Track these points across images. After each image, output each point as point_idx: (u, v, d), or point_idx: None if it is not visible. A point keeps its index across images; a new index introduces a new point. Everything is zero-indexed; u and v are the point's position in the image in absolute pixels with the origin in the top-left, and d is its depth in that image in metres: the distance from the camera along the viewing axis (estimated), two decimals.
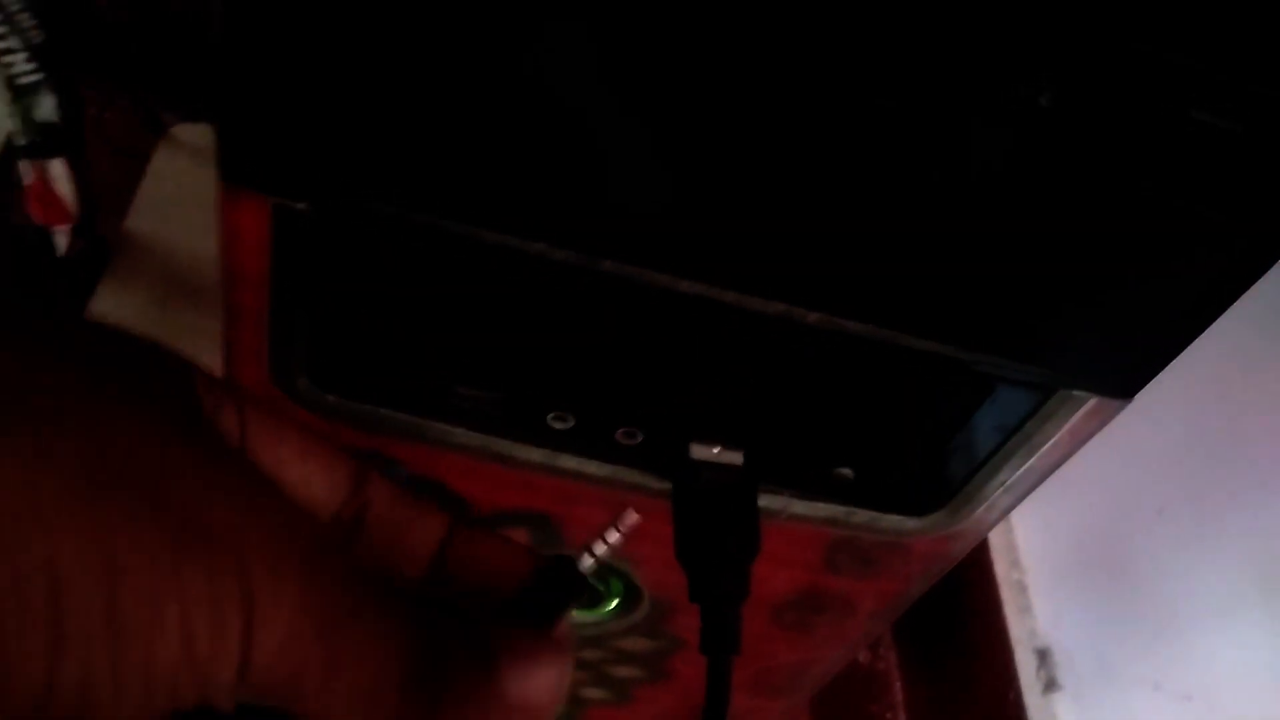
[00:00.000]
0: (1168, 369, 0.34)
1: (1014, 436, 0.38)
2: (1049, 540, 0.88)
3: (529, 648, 0.22)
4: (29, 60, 0.78)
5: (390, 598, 0.20)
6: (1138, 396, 0.35)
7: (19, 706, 0.15)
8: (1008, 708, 0.84)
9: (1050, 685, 0.83)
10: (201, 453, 0.18)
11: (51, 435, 0.16)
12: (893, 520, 0.42)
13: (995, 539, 0.91)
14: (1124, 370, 0.34)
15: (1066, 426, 0.36)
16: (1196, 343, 0.33)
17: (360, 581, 0.20)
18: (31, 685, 0.15)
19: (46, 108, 0.81)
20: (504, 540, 0.25)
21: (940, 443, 0.41)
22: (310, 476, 0.23)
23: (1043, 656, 0.85)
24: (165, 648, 0.16)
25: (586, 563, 0.25)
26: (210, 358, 0.31)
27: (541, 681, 0.22)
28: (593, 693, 0.60)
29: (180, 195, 0.99)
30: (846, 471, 0.41)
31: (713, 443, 0.38)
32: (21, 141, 0.83)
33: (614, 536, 0.25)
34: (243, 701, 0.18)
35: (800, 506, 0.42)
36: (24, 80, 0.79)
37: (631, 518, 0.26)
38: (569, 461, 0.40)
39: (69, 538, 0.15)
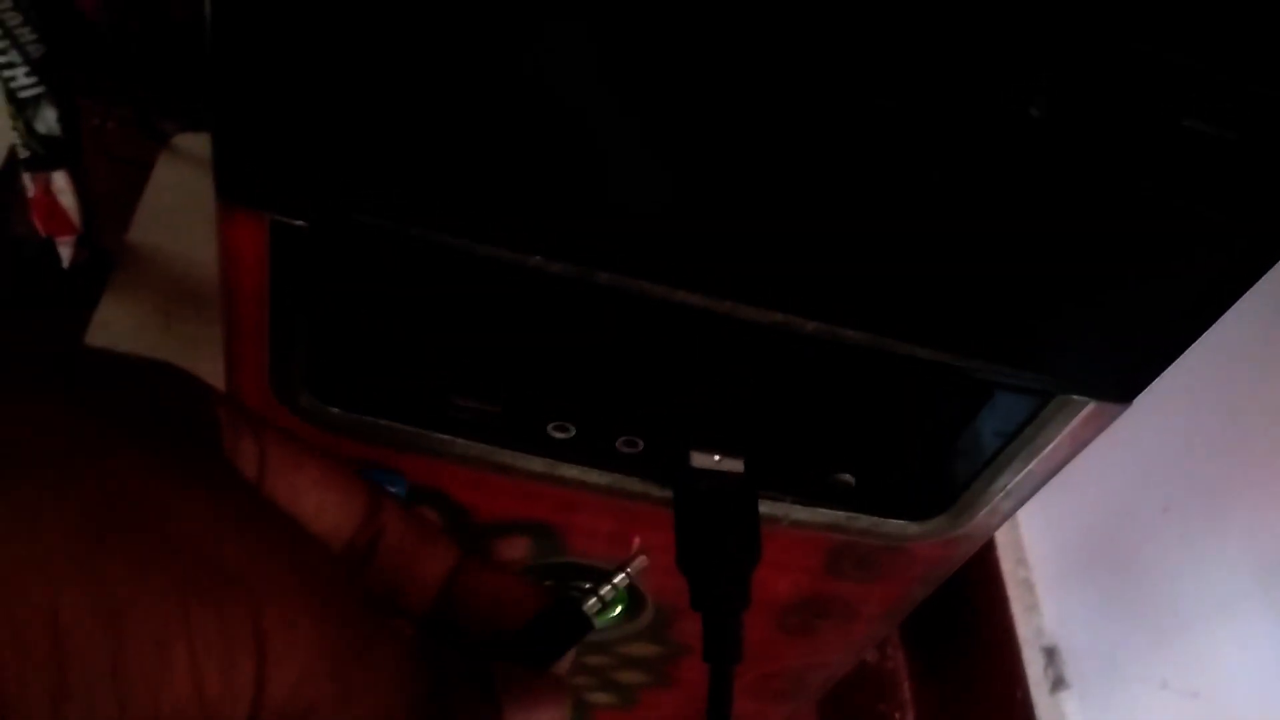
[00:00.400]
0: (1171, 368, 0.34)
1: (1014, 441, 0.38)
2: (1055, 538, 0.88)
3: (531, 687, 0.23)
4: (30, 74, 0.78)
5: (400, 631, 0.21)
6: (1142, 395, 0.35)
7: None
8: (1015, 706, 0.84)
9: (1058, 684, 0.83)
10: (214, 492, 0.18)
11: (57, 483, 0.16)
12: (894, 525, 0.42)
13: (1001, 538, 0.91)
14: (1122, 374, 0.34)
15: (1066, 431, 0.36)
16: (1200, 342, 0.33)
17: (373, 616, 0.20)
18: None
19: (48, 120, 0.81)
20: (511, 574, 0.26)
21: (940, 448, 0.41)
22: (326, 505, 0.24)
23: (1050, 655, 0.85)
24: (173, 691, 0.16)
25: (592, 606, 0.25)
26: (213, 368, 0.31)
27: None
28: (599, 697, 0.60)
29: (182, 205, 0.99)
30: (847, 477, 0.41)
31: (713, 450, 0.38)
32: (24, 154, 0.83)
33: (622, 579, 0.26)
34: None
35: (801, 513, 0.42)
36: (25, 93, 0.79)
37: (641, 562, 0.26)
38: (570, 471, 0.41)
39: (72, 587, 0.15)
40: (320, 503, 0.23)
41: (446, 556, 0.25)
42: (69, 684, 0.15)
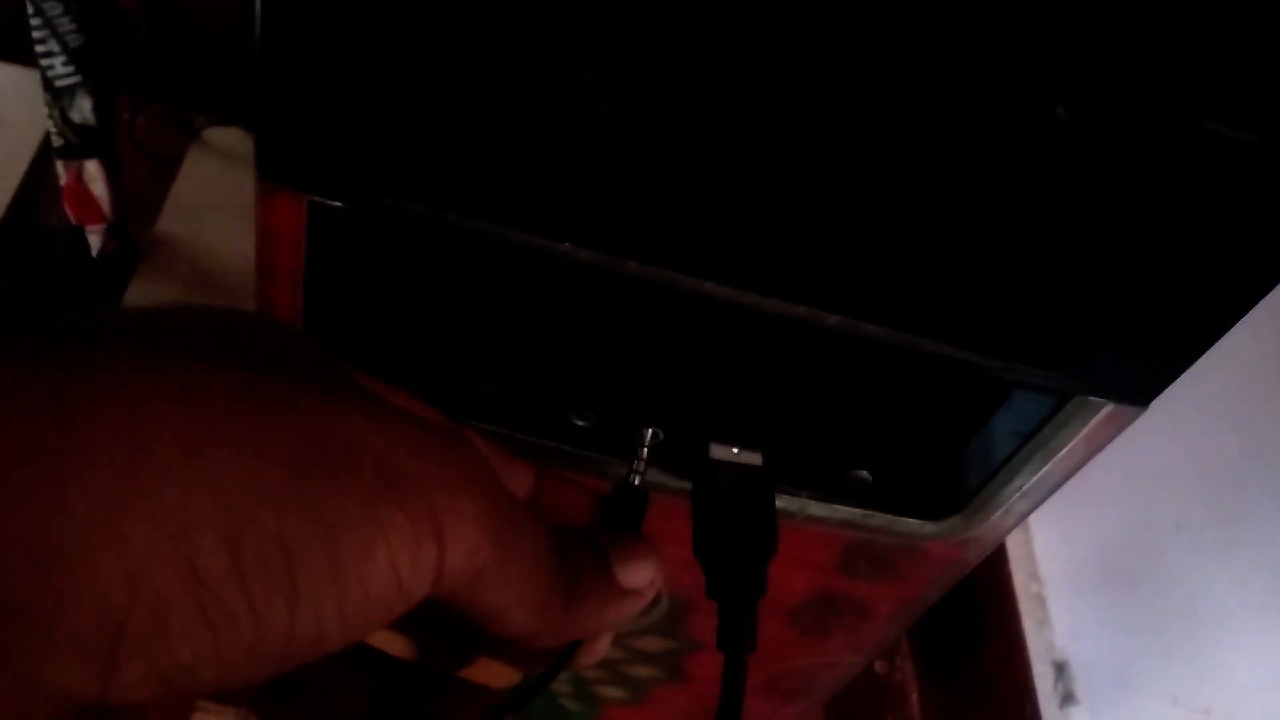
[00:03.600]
0: (1187, 383, 0.34)
1: (1030, 442, 0.38)
2: (1068, 553, 0.87)
3: (633, 547, 0.29)
4: (67, 63, 0.80)
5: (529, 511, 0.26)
6: (1157, 410, 0.35)
7: (271, 646, 0.19)
8: None
9: (1067, 698, 0.83)
10: (377, 414, 0.22)
11: (266, 432, 0.19)
12: (909, 524, 0.43)
13: (1014, 551, 0.91)
14: (1140, 377, 0.35)
15: (1083, 432, 0.37)
16: (1215, 356, 0.33)
17: (511, 494, 0.24)
18: (278, 630, 0.19)
19: (83, 109, 0.82)
20: (575, 484, 0.31)
21: (957, 447, 0.41)
22: None
23: (1060, 669, 0.85)
24: (377, 583, 0.20)
25: (637, 480, 0.33)
26: None
27: (644, 572, 0.29)
28: (610, 691, 0.60)
29: (210, 198, 1.01)
30: (864, 474, 0.41)
31: (732, 443, 0.39)
32: (58, 142, 0.84)
33: (644, 453, 0.33)
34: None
35: (817, 508, 0.42)
36: (62, 82, 0.80)
37: (648, 435, 0.33)
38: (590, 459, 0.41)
39: (293, 513, 0.19)
40: None
41: (526, 477, 0.30)
42: (299, 590, 0.19)
